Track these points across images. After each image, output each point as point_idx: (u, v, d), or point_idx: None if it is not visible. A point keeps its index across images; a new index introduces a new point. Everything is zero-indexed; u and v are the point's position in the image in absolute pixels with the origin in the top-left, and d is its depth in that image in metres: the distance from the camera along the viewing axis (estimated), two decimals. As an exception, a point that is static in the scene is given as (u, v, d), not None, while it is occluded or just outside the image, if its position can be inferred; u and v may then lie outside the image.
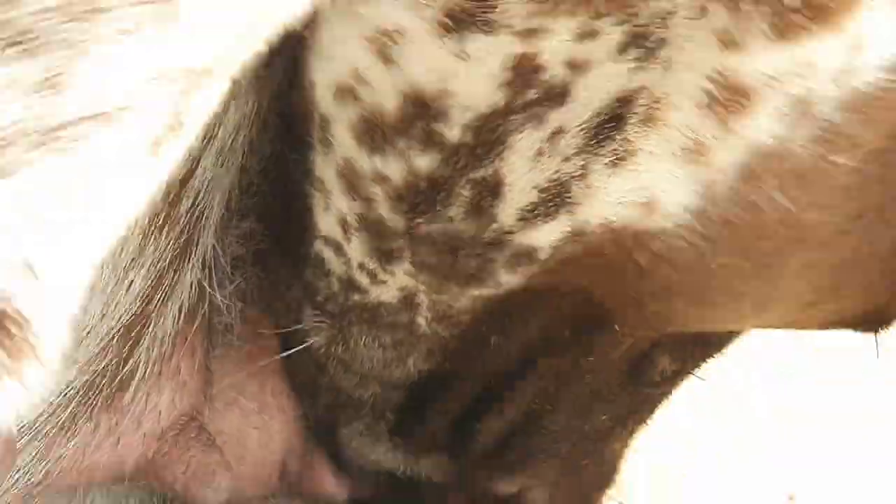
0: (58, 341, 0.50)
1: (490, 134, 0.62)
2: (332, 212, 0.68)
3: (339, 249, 0.70)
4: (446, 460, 0.80)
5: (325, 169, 0.66)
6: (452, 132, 0.62)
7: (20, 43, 0.48)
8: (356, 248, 0.69)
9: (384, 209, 0.66)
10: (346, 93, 0.62)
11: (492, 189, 0.64)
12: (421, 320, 0.71)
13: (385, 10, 0.59)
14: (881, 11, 0.58)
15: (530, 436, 0.78)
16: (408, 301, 0.70)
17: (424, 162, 0.63)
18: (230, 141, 0.71)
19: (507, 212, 0.64)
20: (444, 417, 0.78)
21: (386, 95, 0.61)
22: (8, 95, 0.48)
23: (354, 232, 0.68)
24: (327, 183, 0.67)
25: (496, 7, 0.57)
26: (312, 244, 0.71)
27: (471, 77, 0.60)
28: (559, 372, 0.75)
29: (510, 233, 0.65)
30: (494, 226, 0.65)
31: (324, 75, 0.63)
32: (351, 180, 0.66)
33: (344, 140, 0.64)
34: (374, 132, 0.63)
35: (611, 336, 0.72)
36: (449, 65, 0.59)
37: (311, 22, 0.60)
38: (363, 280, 0.70)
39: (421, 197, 0.65)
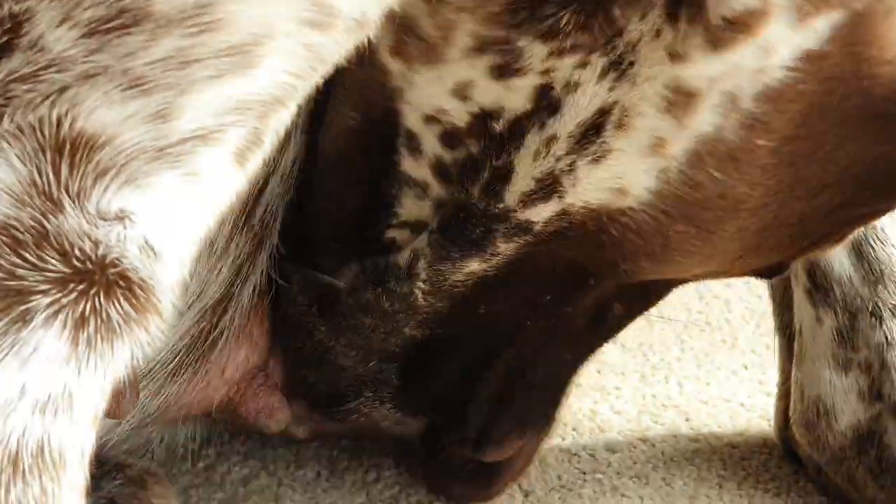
0: (170, 300, 0.59)
1: (517, 127, 0.74)
2: (429, 198, 0.80)
3: (419, 228, 0.81)
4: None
5: (417, 168, 0.79)
6: (498, 125, 0.75)
7: (137, 86, 0.56)
8: (434, 223, 0.80)
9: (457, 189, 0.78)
10: (431, 119, 0.76)
11: (504, 175, 0.76)
12: (417, 291, 0.82)
13: (458, 70, 0.73)
14: (780, 20, 0.67)
15: (516, 398, 0.88)
16: (411, 268, 0.81)
17: (475, 148, 0.76)
18: (289, 169, 0.84)
19: (512, 194, 0.76)
20: (438, 382, 0.88)
21: (461, 116, 0.75)
22: (129, 123, 0.56)
23: (438, 210, 0.80)
24: (425, 178, 0.79)
25: (522, 60, 0.72)
26: (385, 232, 0.82)
27: (513, 97, 0.73)
28: (541, 328, 0.85)
29: (514, 211, 0.77)
30: (501, 205, 0.77)
31: (412, 108, 0.76)
32: (441, 172, 0.78)
33: (433, 146, 0.77)
34: (451, 138, 0.77)
35: (586, 291, 0.83)
36: (502, 93, 0.73)
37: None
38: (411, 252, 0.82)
39: (464, 175, 0.77)
